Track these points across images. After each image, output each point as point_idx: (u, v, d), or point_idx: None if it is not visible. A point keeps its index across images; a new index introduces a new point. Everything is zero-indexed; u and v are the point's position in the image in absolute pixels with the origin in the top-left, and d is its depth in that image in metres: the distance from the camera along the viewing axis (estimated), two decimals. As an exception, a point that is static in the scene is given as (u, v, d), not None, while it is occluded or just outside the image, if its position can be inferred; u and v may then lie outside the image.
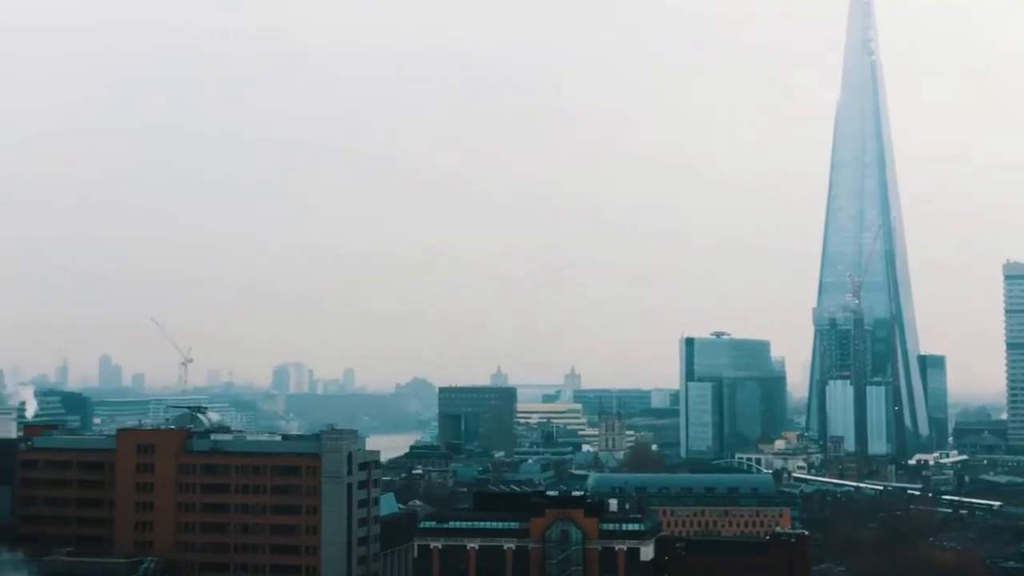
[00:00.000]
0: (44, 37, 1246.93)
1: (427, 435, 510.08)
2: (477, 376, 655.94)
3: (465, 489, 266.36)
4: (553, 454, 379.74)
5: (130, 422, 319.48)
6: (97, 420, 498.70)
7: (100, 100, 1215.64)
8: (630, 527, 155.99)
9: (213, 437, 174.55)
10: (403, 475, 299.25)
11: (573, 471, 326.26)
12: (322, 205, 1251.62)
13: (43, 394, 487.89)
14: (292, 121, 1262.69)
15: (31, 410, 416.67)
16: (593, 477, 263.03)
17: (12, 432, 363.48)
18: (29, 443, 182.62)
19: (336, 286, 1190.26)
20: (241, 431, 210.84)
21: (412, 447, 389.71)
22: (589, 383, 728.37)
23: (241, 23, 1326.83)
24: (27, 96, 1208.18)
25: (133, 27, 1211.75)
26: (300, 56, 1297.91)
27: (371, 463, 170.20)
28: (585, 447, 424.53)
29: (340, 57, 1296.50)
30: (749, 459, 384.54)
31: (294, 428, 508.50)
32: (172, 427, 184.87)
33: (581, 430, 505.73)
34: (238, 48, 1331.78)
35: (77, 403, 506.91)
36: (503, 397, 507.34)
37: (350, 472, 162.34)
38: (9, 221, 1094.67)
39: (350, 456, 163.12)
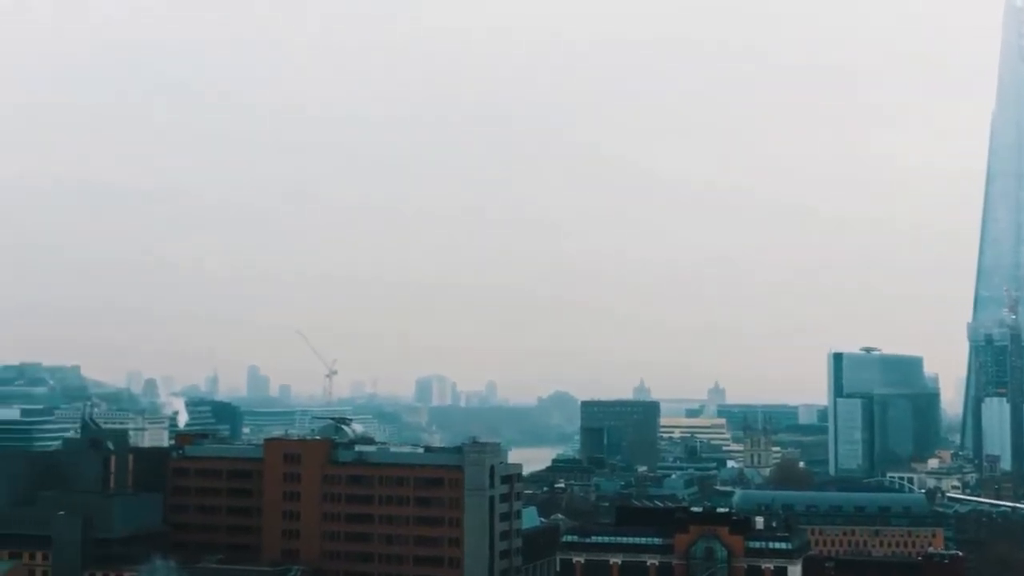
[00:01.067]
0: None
1: (569, 448, 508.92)
2: (619, 390, 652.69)
3: (608, 503, 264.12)
4: (697, 469, 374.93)
5: (277, 432, 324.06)
6: (246, 429, 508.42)
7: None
8: (777, 545, 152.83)
9: (357, 448, 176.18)
10: (545, 489, 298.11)
11: (718, 487, 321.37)
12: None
13: (194, 404, 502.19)
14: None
15: (183, 419, 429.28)
16: (739, 494, 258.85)
17: (164, 440, 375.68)
18: (181, 452, 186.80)
19: (477, 298, 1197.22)
20: (384, 443, 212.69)
21: (554, 460, 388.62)
22: (733, 398, 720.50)
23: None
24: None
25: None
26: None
27: (513, 476, 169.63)
28: (730, 463, 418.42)
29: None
30: (901, 478, 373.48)
31: (437, 440, 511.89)
32: (318, 437, 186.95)
33: (725, 445, 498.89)
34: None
35: (227, 412, 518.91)
36: (646, 411, 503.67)
37: (492, 485, 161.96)
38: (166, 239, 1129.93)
39: (492, 469, 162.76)
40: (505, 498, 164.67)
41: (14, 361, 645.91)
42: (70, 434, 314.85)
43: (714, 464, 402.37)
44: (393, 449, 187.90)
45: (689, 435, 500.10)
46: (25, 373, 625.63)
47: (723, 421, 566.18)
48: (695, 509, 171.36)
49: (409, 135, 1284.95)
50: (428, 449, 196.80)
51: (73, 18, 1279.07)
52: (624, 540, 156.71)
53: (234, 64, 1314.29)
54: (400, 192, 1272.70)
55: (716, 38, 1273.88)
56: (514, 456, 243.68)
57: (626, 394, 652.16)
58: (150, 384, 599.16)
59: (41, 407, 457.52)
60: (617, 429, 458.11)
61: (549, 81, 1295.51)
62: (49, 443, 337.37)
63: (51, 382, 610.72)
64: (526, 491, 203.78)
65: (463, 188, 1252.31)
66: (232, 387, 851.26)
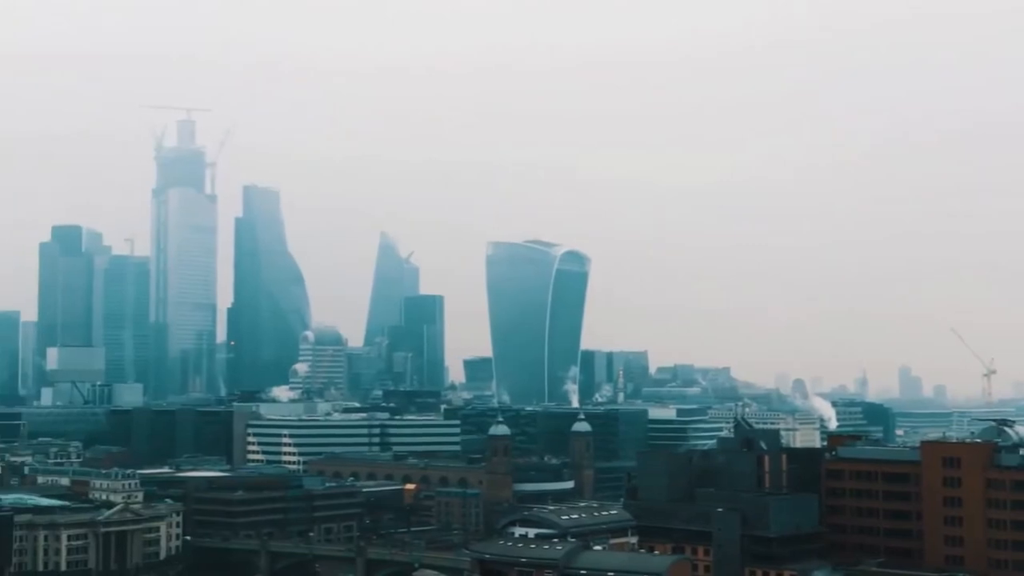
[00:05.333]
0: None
1: None
2: None
3: None
4: None
5: (932, 434, 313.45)
6: (899, 431, 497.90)
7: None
8: None
9: (1022, 452, 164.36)
10: None
11: None
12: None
13: (844, 405, 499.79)
14: None
15: (833, 421, 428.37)
16: None
17: (815, 441, 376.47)
18: (834, 453, 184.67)
19: None
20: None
21: None
22: None
23: None
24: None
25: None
26: None
27: None
28: None
29: None
30: None
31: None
32: (978, 440, 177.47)
33: None
34: None
35: (878, 414, 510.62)
36: None
37: None
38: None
39: None
40: None
41: (669, 363, 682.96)
42: (723, 433, 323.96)
43: None
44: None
45: None
46: (679, 375, 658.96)
47: None
48: None
49: None
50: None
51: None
52: None
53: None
54: None
55: None
56: None
57: None
58: (798, 385, 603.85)
59: (694, 407, 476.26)
60: None
61: None
62: (703, 442, 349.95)
63: (703, 383, 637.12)
64: None
65: None
66: (882, 388, 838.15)
